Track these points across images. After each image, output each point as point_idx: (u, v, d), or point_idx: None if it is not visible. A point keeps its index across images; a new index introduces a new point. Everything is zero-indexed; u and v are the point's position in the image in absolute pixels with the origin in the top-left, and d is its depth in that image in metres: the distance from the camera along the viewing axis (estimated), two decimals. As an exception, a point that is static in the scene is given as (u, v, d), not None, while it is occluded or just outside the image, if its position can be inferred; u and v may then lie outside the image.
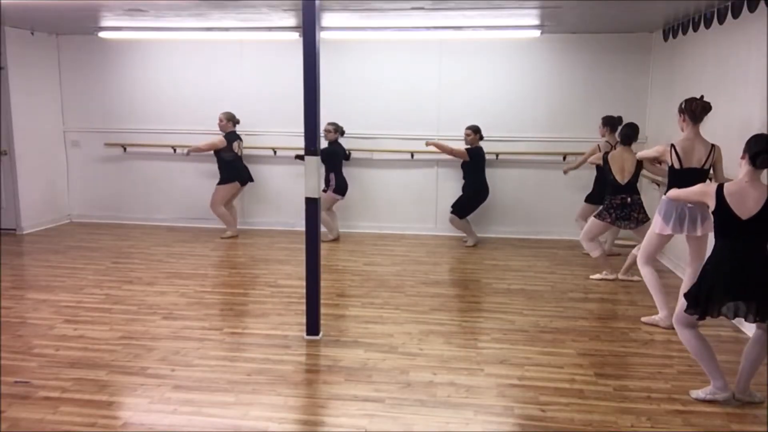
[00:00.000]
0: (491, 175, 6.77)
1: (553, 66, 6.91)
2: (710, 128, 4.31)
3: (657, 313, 4.43)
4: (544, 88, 6.94)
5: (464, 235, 6.88)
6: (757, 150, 2.99)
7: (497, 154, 6.94)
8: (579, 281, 5.49)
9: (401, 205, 7.36)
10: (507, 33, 6.62)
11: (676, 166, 4.05)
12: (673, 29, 6.01)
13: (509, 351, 3.93)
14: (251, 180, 7.14)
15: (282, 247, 6.66)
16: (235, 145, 6.89)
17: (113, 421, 3.04)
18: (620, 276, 5.47)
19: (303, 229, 4.05)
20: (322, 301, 4.22)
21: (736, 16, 4.65)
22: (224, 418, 3.08)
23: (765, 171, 3.08)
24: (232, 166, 6.92)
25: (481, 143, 6.64)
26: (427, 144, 6.65)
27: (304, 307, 4.15)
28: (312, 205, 3.97)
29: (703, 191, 3.19)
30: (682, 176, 3.98)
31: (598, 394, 3.36)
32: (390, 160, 7.29)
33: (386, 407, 3.19)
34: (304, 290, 4.08)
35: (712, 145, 4.04)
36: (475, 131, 6.57)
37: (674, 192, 3.55)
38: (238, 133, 6.96)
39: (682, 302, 3.25)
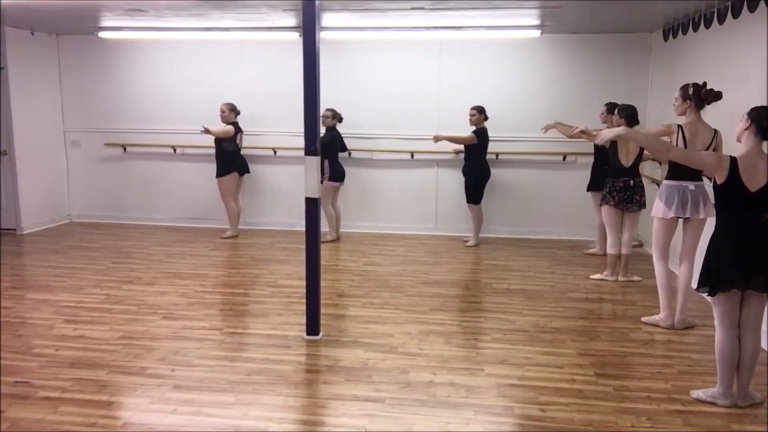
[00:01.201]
0: (492, 174, 6.76)
1: (553, 66, 6.91)
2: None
3: (657, 313, 4.43)
4: (544, 88, 6.95)
5: (468, 235, 6.87)
6: None
7: (497, 154, 6.93)
8: (579, 281, 5.49)
9: (401, 205, 7.35)
10: (507, 33, 6.62)
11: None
12: (673, 29, 6.01)
13: (509, 351, 3.93)
14: (248, 171, 7.12)
15: (282, 247, 6.66)
16: (238, 136, 6.89)
17: (113, 421, 3.04)
18: (620, 278, 5.46)
19: (303, 229, 4.05)
20: (322, 301, 4.22)
21: (736, 16, 4.65)
22: (224, 418, 3.08)
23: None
24: (231, 157, 6.90)
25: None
26: (436, 140, 6.57)
27: (304, 307, 4.15)
28: (312, 205, 3.98)
29: (718, 163, 3.06)
30: None
31: (598, 394, 3.36)
32: (390, 160, 7.29)
33: (386, 407, 3.19)
34: (304, 290, 4.08)
35: (715, 131, 4.05)
36: (480, 111, 6.48)
37: (685, 153, 3.47)
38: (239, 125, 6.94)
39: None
